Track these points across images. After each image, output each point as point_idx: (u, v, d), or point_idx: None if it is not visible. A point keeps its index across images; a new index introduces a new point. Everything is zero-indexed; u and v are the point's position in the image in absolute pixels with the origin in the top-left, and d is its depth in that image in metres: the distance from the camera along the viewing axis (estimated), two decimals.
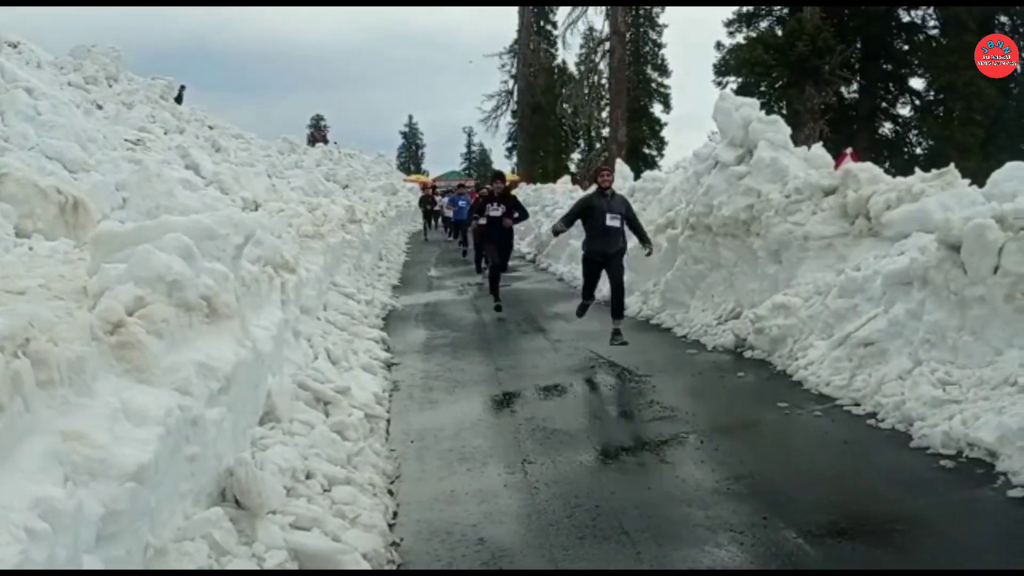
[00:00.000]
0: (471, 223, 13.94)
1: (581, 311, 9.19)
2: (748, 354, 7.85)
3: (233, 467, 3.51)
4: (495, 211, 12.12)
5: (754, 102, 10.26)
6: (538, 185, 29.75)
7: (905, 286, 6.37)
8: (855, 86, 38.95)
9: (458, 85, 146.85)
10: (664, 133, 52.54)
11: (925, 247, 6.32)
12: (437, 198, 33.47)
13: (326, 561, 3.37)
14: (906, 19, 38.11)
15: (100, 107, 17.24)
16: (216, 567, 3.02)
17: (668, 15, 51.66)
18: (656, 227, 11.39)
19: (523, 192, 25.72)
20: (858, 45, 37.94)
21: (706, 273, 9.81)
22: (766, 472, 4.72)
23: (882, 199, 7.84)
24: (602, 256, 8.51)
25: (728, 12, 39.69)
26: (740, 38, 39.27)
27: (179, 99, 24.60)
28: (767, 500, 4.27)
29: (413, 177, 59.77)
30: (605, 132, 49.00)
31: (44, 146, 10.34)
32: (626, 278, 11.75)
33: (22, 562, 1.97)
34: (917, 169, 8.42)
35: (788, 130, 9.84)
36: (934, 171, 8.06)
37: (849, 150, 13.11)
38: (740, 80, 36.60)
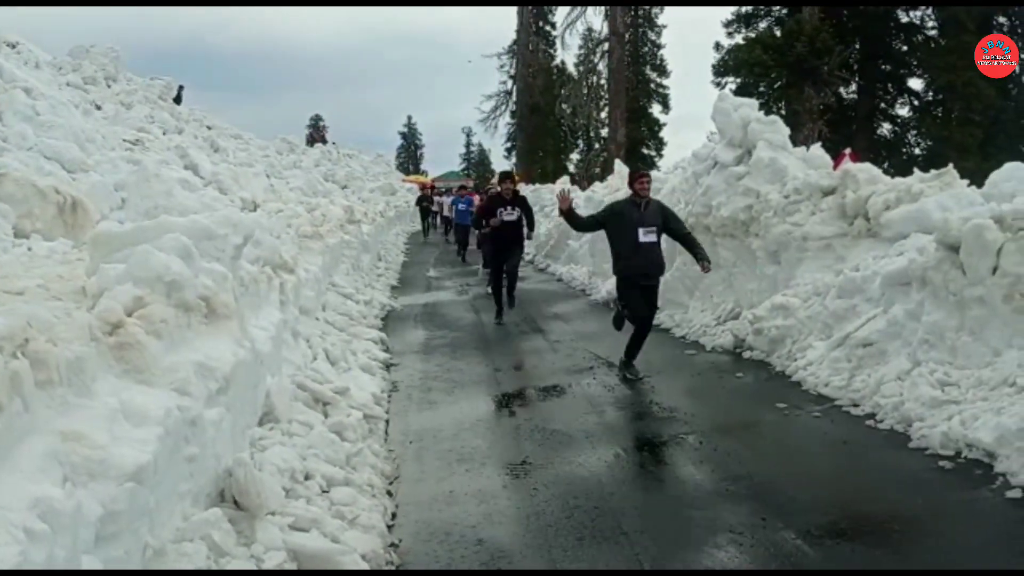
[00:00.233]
0: (481, 228, 11.74)
1: (618, 324, 7.69)
2: (747, 355, 7.85)
3: (232, 468, 3.51)
4: (510, 215, 10.63)
5: (753, 102, 10.25)
6: (537, 185, 29.78)
7: (904, 287, 6.37)
8: (854, 86, 38.94)
9: (457, 86, 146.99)
10: (663, 133, 52.63)
11: (924, 248, 6.32)
12: (437, 198, 33.02)
13: (325, 562, 3.38)
14: (905, 20, 38.11)
15: (99, 107, 17.25)
16: (215, 568, 3.02)
17: (667, 16, 51.77)
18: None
19: (522, 192, 25.63)
20: (857, 46, 37.93)
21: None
22: (765, 473, 4.72)
23: (881, 199, 7.84)
24: (646, 278, 7.17)
25: (727, 13, 39.75)
26: (739, 39, 39.28)
27: (178, 99, 24.61)
28: (766, 501, 4.27)
29: (412, 177, 59.83)
30: (604, 132, 49.03)
31: (43, 146, 10.34)
32: None
33: (21, 563, 1.97)
34: (916, 169, 8.41)
35: (787, 130, 9.85)
36: (933, 171, 8.06)
37: (848, 150, 13.11)
38: (739, 80, 36.59)
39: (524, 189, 28.15)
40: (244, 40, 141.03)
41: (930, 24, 37.91)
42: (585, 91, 50.44)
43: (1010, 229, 5.49)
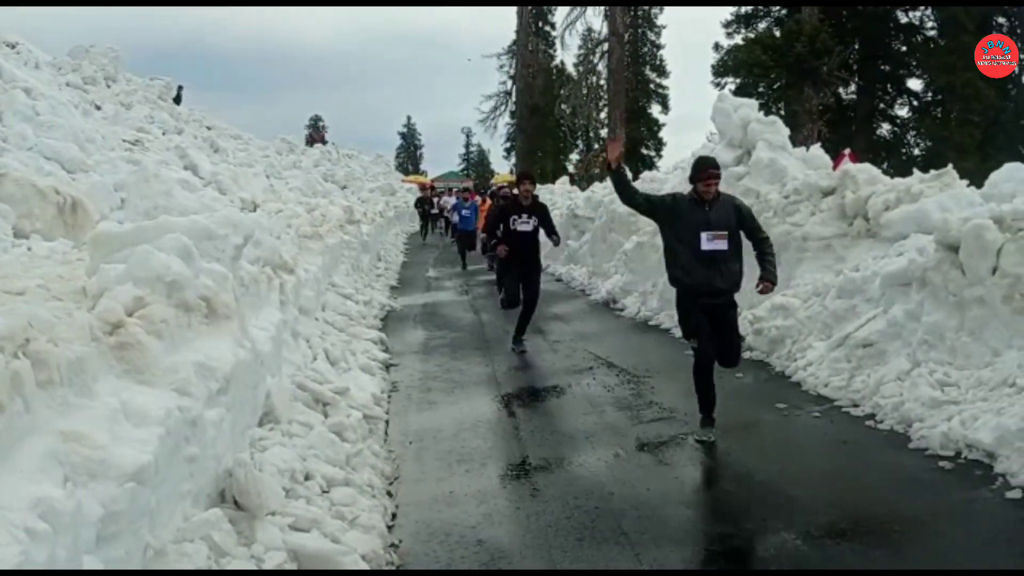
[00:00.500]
0: (491, 239, 9.64)
1: (702, 374, 5.64)
2: (747, 355, 7.82)
3: (232, 468, 3.51)
4: (525, 225, 8.62)
5: (752, 103, 10.28)
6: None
7: (903, 287, 6.38)
8: (853, 87, 38.94)
9: (456, 86, 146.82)
10: (662, 134, 52.71)
11: (923, 248, 6.33)
12: (440, 198, 31.74)
13: (325, 562, 3.38)
14: (904, 20, 38.12)
15: (98, 107, 17.24)
16: (215, 568, 3.02)
17: (666, 16, 51.84)
18: (655, 228, 11.38)
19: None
20: (856, 46, 37.95)
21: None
22: (765, 473, 4.72)
23: (880, 200, 7.85)
24: (711, 294, 5.48)
25: (726, 13, 39.77)
26: (738, 39, 39.29)
27: (178, 99, 24.60)
28: (766, 501, 4.28)
29: (411, 178, 59.76)
30: (603, 133, 49.03)
31: (42, 146, 10.34)
32: (623, 279, 11.87)
33: (22, 563, 1.97)
34: (915, 170, 8.43)
35: (786, 131, 9.88)
36: (932, 172, 8.08)
37: (847, 151, 13.14)
38: (738, 81, 36.61)
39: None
40: (244, 40, 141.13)
41: (929, 25, 37.95)
42: (585, 91, 50.46)
43: (1010, 230, 5.50)
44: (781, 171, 9.11)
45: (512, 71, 51.12)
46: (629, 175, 5.76)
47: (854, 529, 3.88)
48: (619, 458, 5.16)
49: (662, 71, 52.51)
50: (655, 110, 52.62)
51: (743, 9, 39.45)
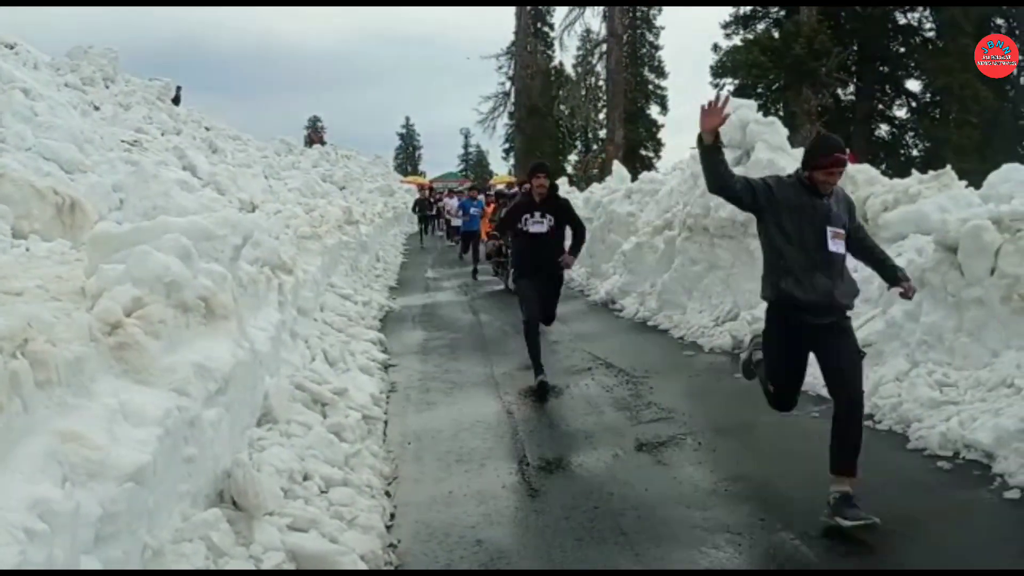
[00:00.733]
0: (498, 238, 9.42)
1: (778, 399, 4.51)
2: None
3: (231, 468, 3.51)
4: (538, 225, 7.21)
5: (751, 104, 10.28)
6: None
7: None
8: (852, 88, 39.03)
9: (455, 87, 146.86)
10: (661, 135, 52.64)
11: (922, 249, 6.33)
12: (444, 200, 28.96)
13: (323, 562, 3.38)
14: (903, 22, 38.24)
15: (97, 108, 17.25)
16: (214, 568, 3.02)
17: (665, 17, 51.93)
18: (654, 229, 11.40)
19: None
20: (855, 47, 38.04)
21: (703, 274, 9.81)
22: (763, 473, 4.72)
23: (879, 201, 7.85)
24: (827, 310, 4.10)
25: (725, 14, 39.84)
26: (737, 40, 39.42)
27: (176, 100, 24.60)
28: (764, 501, 4.28)
29: (410, 178, 59.78)
30: (602, 134, 49.08)
31: (41, 147, 10.34)
32: (622, 280, 11.87)
33: (21, 563, 1.97)
34: (914, 171, 8.42)
35: (785, 132, 9.87)
36: (931, 173, 8.07)
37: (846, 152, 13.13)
38: (737, 82, 36.66)
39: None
40: (243, 41, 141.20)
41: (928, 26, 38.08)
42: (583, 92, 50.49)
43: (1008, 230, 5.50)
44: (780, 172, 9.10)
45: (510, 72, 51.14)
46: (725, 154, 4.29)
47: (852, 529, 3.88)
48: (618, 458, 5.16)
49: (661, 72, 52.50)
50: (654, 111, 52.62)
51: (742, 10, 39.59)
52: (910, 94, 39.43)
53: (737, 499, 4.36)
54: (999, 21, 36.08)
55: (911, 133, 39.81)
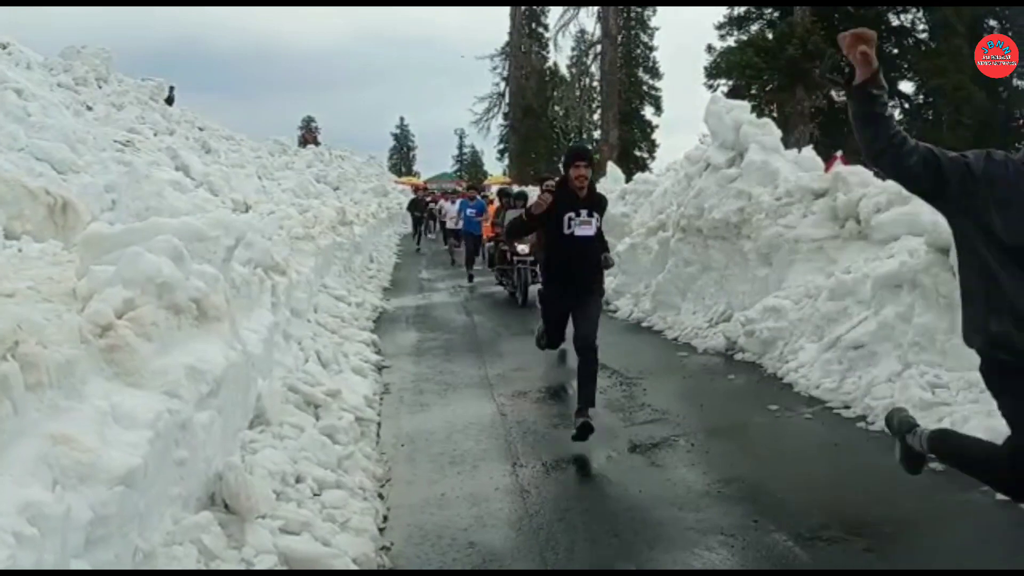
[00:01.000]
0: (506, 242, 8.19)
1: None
2: (739, 356, 7.86)
3: (223, 471, 3.50)
4: (586, 227, 5.64)
5: (745, 105, 10.30)
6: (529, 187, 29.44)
7: (895, 289, 6.39)
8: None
9: (450, 87, 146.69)
10: (655, 136, 52.78)
11: (915, 250, 6.35)
12: (441, 203, 26.60)
13: (316, 565, 3.36)
14: (896, 23, 38.36)
15: (90, 108, 17.22)
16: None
17: (659, 18, 51.93)
18: (648, 229, 11.42)
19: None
20: None
21: (697, 275, 9.83)
22: (757, 475, 4.72)
23: (872, 202, 7.87)
24: None
25: (719, 16, 39.91)
26: (731, 41, 39.48)
27: (170, 100, 24.55)
28: (758, 503, 4.28)
29: (404, 179, 59.73)
30: (597, 134, 49.11)
31: (33, 147, 10.32)
32: (616, 281, 11.87)
33: (10, 567, 1.96)
34: None
35: (779, 133, 9.90)
36: None
37: (839, 153, 13.15)
38: (731, 83, 36.73)
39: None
40: (236, 41, 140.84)
41: (920, 28, 38.23)
42: (578, 93, 50.61)
43: None
44: (773, 173, 9.13)
45: (505, 73, 51.25)
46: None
47: (846, 530, 3.89)
48: (611, 460, 5.16)
49: (655, 73, 52.63)
50: (648, 112, 52.79)
51: (735, 11, 39.63)
52: (903, 95, 39.55)
53: (731, 500, 4.37)
54: (992, 23, 36.21)
55: None
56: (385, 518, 4.30)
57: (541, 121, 51.36)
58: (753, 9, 39.38)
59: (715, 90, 35.78)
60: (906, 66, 38.67)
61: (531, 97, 50.83)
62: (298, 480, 4.13)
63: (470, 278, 15.72)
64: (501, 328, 10.48)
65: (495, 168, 60.90)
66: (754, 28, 39.68)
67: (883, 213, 7.70)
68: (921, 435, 3.37)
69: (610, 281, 12.02)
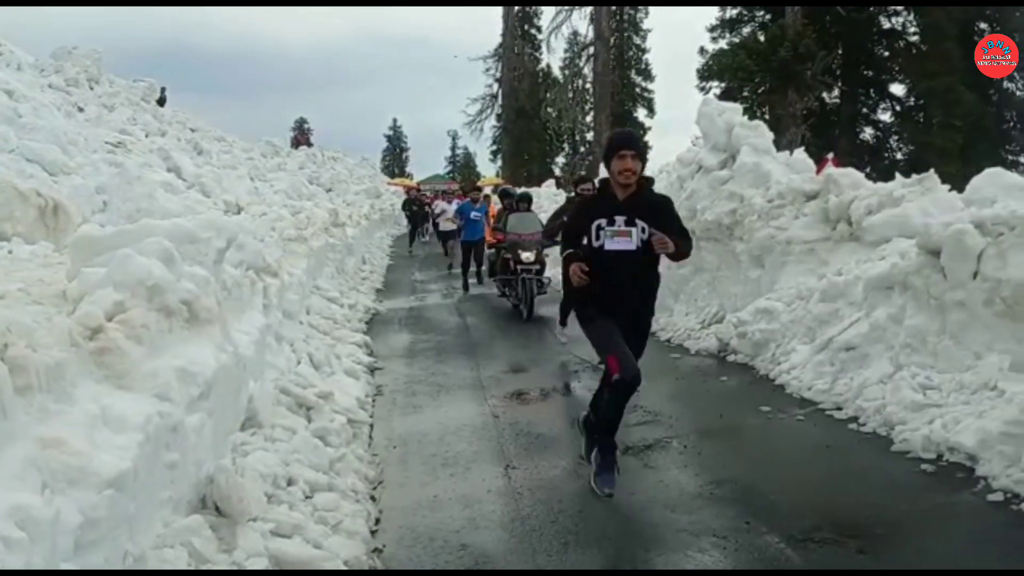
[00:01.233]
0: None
1: None
2: (731, 358, 7.87)
3: (213, 474, 3.49)
4: (622, 240, 4.46)
5: (737, 107, 10.32)
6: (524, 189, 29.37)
7: (886, 291, 6.41)
8: (836, 92, 39.27)
9: (443, 88, 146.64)
10: (648, 137, 52.73)
11: (906, 252, 6.37)
12: (438, 203, 24.46)
13: (307, 568, 3.36)
14: (887, 26, 38.53)
15: (81, 109, 17.15)
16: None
17: (652, 20, 52.15)
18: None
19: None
20: (839, 51, 38.27)
21: (689, 277, 9.84)
22: (749, 476, 4.73)
23: (863, 204, 7.89)
24: None
25: (711, 18, 40.06)
26: (723, 44, 39.62)
27: (161, 101, 24.49)
28: (750, 504, 4.28)
29: (397, 180, 59.60)
30: (589, 136, 49.15)
31: (24, 149, 10.28)
32: None
33: None
34: (897, 174, 8.47)
35: (771, 135, 9.92)
36: (914, 176, 8.12)
37: (830, 155, 13.21)
38: (723, 85, 36.83)
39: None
40: (228, 42, 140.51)
41: (911, 30, 38.38)
42: (570, 95, 50.57)
43: (990, 234, 5.54)
44: (765, 175, 9.15)
45: (498, 74, 51.23)
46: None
47: (837, 532, 3.89)
48: None
49: (647, 75, 52.79)
50: (641, 114, 52.94)
51: (728, 14, 39.76)
52: (894, 97, 39.76)
53: (722, 502, 4.37)
54: (983, 25, 36.38)
55: (895, 136, 40.13)
56: (377, 520, 4.29)
57: (534, 122, 51.39)
58: (745, 12, 39.56)
59: (707, 92, 35.96)
60: (897, 68, 38.82)
61: (524, 98, 50.86)
62: (290, 482, 4.12)
63: (466, 286, 14.53)
64: (494, 330, 10.47)
65: (488, 169, 60.81)
66: (746, 30, 39.85)
67: (874, 215, 7.73)
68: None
69: None
